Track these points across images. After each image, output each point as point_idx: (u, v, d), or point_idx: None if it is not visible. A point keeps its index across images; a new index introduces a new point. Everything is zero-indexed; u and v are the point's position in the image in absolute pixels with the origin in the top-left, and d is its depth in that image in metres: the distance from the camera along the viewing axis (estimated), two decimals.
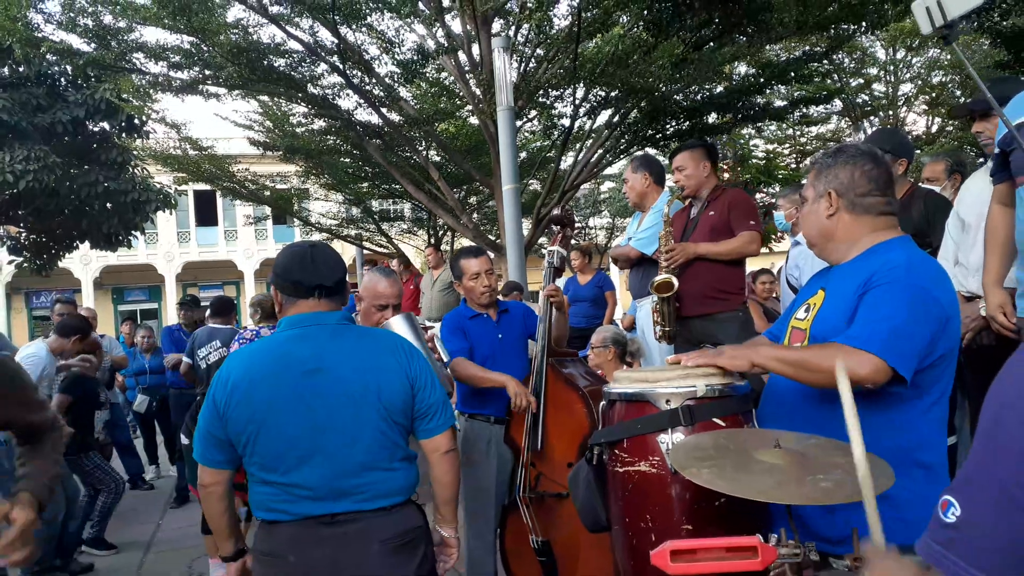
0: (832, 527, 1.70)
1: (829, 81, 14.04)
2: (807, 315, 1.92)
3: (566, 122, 9.63)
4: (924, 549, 0.80)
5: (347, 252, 25.33)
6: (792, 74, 9.76)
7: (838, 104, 16.28)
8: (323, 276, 2.10)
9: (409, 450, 2.16)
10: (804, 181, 2.07)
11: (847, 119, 17.62)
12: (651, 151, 10.47)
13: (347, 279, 2.22)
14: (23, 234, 14.74)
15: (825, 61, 10.93)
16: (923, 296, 1.72)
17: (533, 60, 8.77)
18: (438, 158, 12.03)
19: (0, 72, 12.42)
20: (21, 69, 12.28)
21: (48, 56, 10.63)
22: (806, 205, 2.00)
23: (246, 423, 1.99)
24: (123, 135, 13.66)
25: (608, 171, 12.54)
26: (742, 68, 10.87)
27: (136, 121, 13.24)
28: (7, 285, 26.04)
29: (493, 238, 11.57)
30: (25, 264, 14.88)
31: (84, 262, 25.91)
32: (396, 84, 9.41)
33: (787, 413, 1.89)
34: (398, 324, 2.92)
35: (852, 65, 16.45)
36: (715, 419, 1.93)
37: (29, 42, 8.67)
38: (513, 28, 8.68)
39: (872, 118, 17.45)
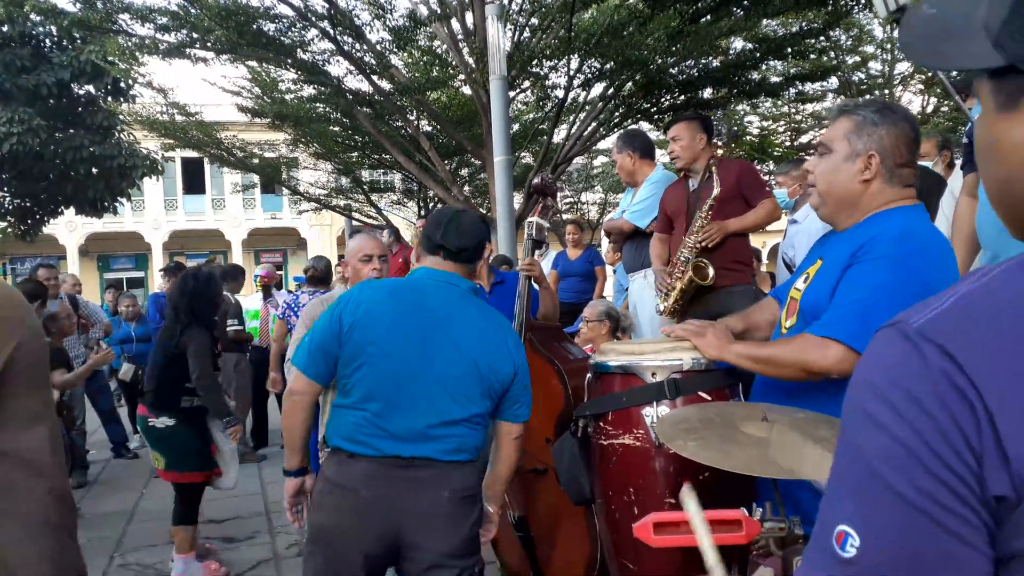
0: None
1: (825, 58, 13.92)
2: (804, 285, 1.86)
3: (560, 93, 9.52)
4: None
5: (336, 223, 25.27)
6: (789, 50, 9.66)
7: (834, 81, 16.17)
8: (461, 239, 2.24)
9: (487, 416, 2.27)
10: (830, 124, 1.86)
11: (842, 97, 17.51)
12: (645, 125, 10.38)
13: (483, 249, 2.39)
14: (7, 198, 14.57)
15: (822, 37, 10.81)
16: (908, 275, 1.62)
17: (527, 29, 8.63)
18: (429, 128, 11.89)
19: None
20: (4, 29, 12.07)
21: (32, 16, 10.43)
22: (830, 158, 1.80)
23: (365, 346, 2.09)
24: (109, 99, 13.47)
25: (601, 145, 12.42)
26: (738, 43, 10.74)
27: (122, 85, 13.07)
28: None
29: (484, 211, 11.49)
30: (9, 229, 14.73)
31: (70, 228, 25.68)
32: (387, 51, 9.25)
33: (778, 386, 1.85)
34: None
35: (849, 42, 16.31)
36: (701, 392, 1.91)
37: (13, 1, 8.47)
38: None
39: (868, 96, 17.36)
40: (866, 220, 1.77)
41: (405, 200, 17.21)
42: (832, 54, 14.93)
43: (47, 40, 12.96)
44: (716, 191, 3.48)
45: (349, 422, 2.11)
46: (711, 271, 3.55)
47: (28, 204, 14.34)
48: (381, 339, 2.09)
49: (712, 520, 1.24)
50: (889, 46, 16.75)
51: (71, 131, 13.18)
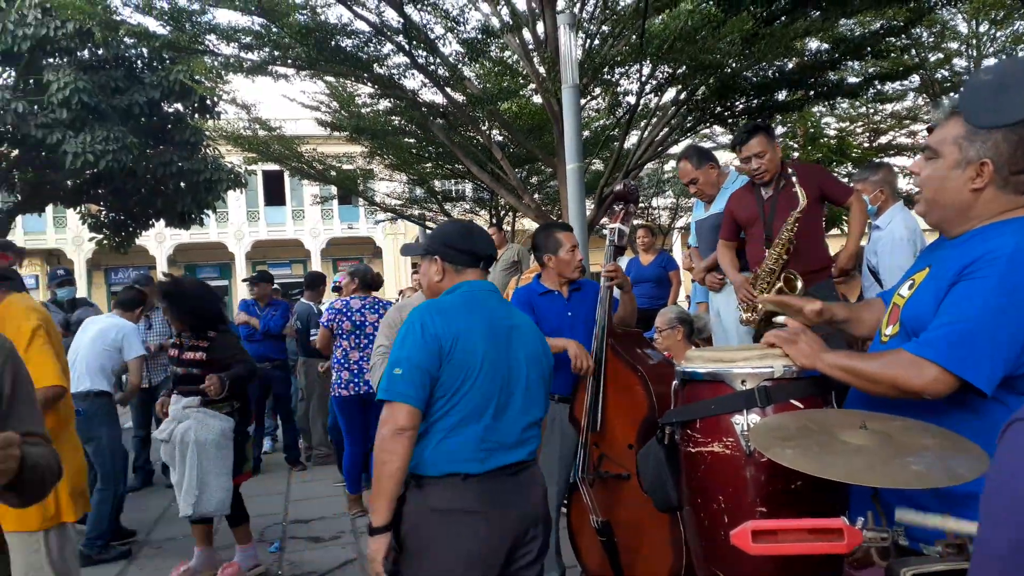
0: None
1: (906, 56, 13.45)
2: (908, 292, 1.76)
3: (631, 99, 9.48)
4: None
5: (410, 232, 25.73)
6: (868, 49, 9.39)
7: (915, 80, 15.62)
8: (492, 247, 2.42)
9: None
10: (936, 126, 1.72)
11: (924, 96, 16.90)
12: (718, 129, 10.25)
13: None
14: (103, 212, 15.38)
15: (903, 35, 10.45)
16: (1019, 299, 1.51)
17: (598, 37, 8.65)
18: (501, 138, 12.00)
19: (81, 55, 12.90)
20: (100, 52, 12.75)
21: (126, 39, 10.97)
22: (938, 163, 1.67)
23: (468, 365, 2.10)
24: (196, 116, 14.06)
25: (673, 150, 12.30)
26: (814, 44, 10.49)
27: (208, 102, 13.62)
28: (88, 261, 27.18)
29: (555, 218, 11.53)
30: (105, 241, 15.51)
31: (159, 240, 26.86)
32: (460, 63, 9.40)
33: (874, 398, 1.80)
34: None
35: (931, 39, 15.73)
36: (793, 401, 1.90)
37: (108, 25, 8.94)
38: (578, 4, 8.56)
39: (952, 95, 16.67)
40: (979, 231, 1.66)
41: (477, 209, 17.40)
42: (913, 52, 14.42)
43: (139, 61, 13.62)
44: (803, 202, 3.45)
45: (460, 443, 2.08)
46: (800, 283, 3.51)
47: (122, 217, 15.10)
48: (477, 360, 2.11)
49: (812, 529, 1.24)
50: (974, 42, 16.10)
51: (161, 147, 13.81)
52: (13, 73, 12.93)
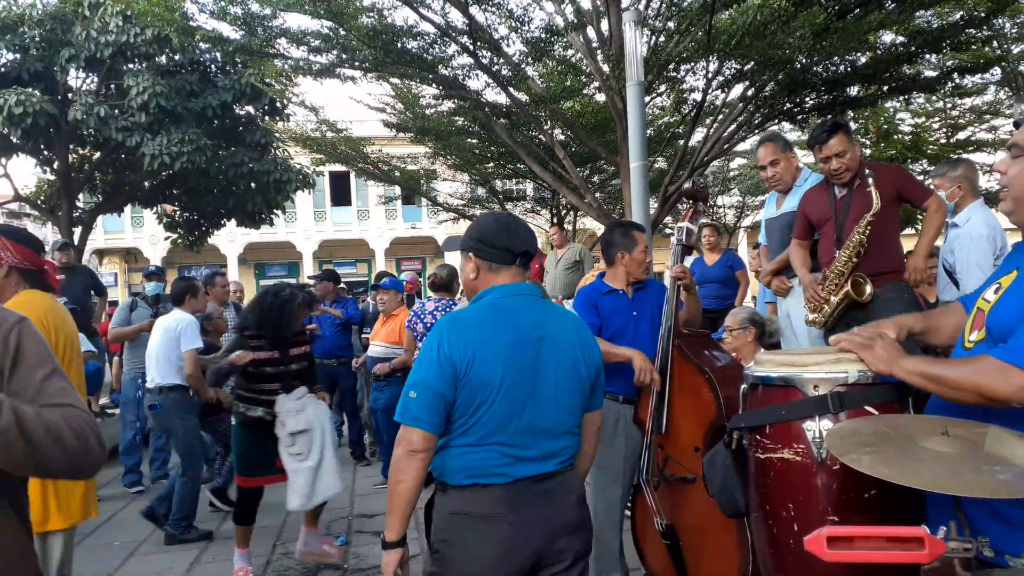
0: (1010, 538, 1.46)
1: (988, 49, 12.86)
2: (994, 297, 1.69)
3: (697, 96, 9.35)
4: None
5: None
6: (947, 42, 9.02)
7: (996, 73, 14.93)
8: (531, 243, 2.22)
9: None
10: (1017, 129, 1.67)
11: (1006, 89, 16.14)
12: (787, 126, 10.01)
13: None
14: (177, 212, 15.92)
15: (984, 27, 9.99)
16: None
17: (664, 34, 8.55)
18: (563, 137, 11.98)
19: (159, 60, 13.37)
20: (177, 57, 13.18)
21: (201, 44, 11.33)
22: None
23: (486, 385, 2.02)
24: (266, 118, 14.43)
25: (739, 147, 12.06)
26: (888, 36, 10.13)
27: (278, 104, 13.96)
28: (162, 260, 28.20)
29: (616, 217, 11.44)
30: (179, 240, 16.05)
31: (230, 239, 27.68)
32: (524, 63, 9.42)
33: (958, 407, 1.73)
34: None
35: (1015, 30, 15.00)
36: (867, 407, 1.84)
37: (185, 31, 9.25)
38: (643, 1, 8.48)
39: None
40: None
41: (538, 208, 17.41)
42: (995, 44, 13.78)
43: (212, 65, 14.04)
44: (876, 206, 3.34)
45: (477, 459, 2.05)
46: (869, 288, 3.41)
47: (195, 217, 15.61)
48: (499, 375, 2.02)
49: (891, 537, 1.20)
50: None
51: (232, 149, 14.21)
52: (96, 78, 13.49)
